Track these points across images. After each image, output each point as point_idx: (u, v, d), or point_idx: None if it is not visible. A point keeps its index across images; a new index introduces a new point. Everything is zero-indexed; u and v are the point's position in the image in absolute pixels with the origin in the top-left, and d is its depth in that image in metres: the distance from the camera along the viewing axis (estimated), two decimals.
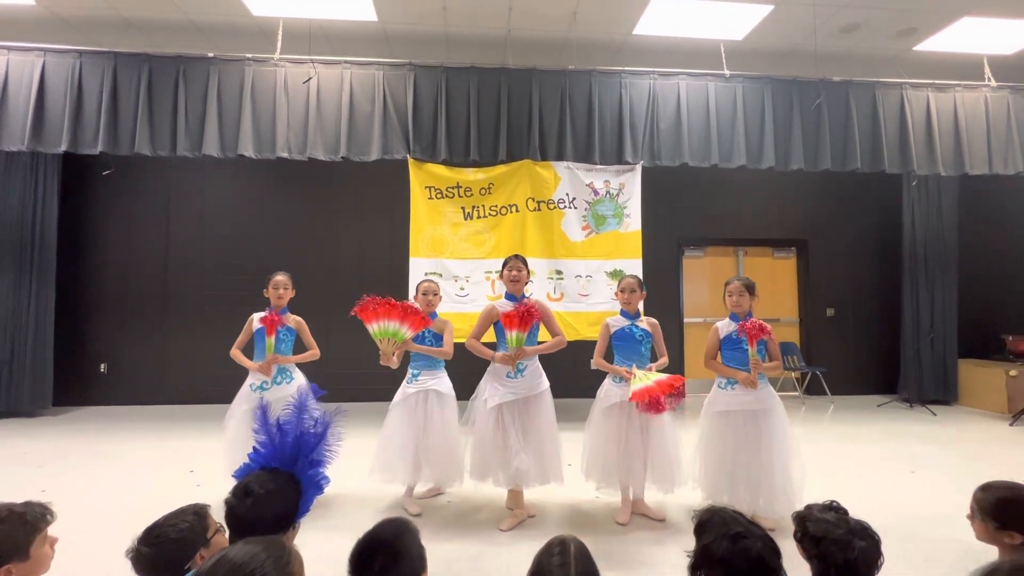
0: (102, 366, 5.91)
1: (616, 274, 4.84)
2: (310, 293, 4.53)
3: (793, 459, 2.75)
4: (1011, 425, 5.12)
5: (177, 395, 5.90)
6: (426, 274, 4.67)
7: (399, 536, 1.22)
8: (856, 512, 1.37)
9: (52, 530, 1.34)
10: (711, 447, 2.88)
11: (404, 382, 3.16)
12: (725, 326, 2.91)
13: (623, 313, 3.05)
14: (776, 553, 1.16)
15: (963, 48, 5.09)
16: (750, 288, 2.88)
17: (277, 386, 3.17)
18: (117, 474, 3.63)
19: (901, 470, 3.75)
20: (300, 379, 3.28)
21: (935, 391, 6.06)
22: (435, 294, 3.17)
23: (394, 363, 2.96)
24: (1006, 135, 5.08)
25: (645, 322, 3.03)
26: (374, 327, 2.88)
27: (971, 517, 1.50)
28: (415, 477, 3.05)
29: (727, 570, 1.13)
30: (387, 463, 3.01)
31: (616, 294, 3.20)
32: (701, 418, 3.01)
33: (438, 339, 3.13)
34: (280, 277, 3.24)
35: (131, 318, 5.96)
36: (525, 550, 1.30)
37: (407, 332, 2.90)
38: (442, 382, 3.14)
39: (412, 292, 4.50)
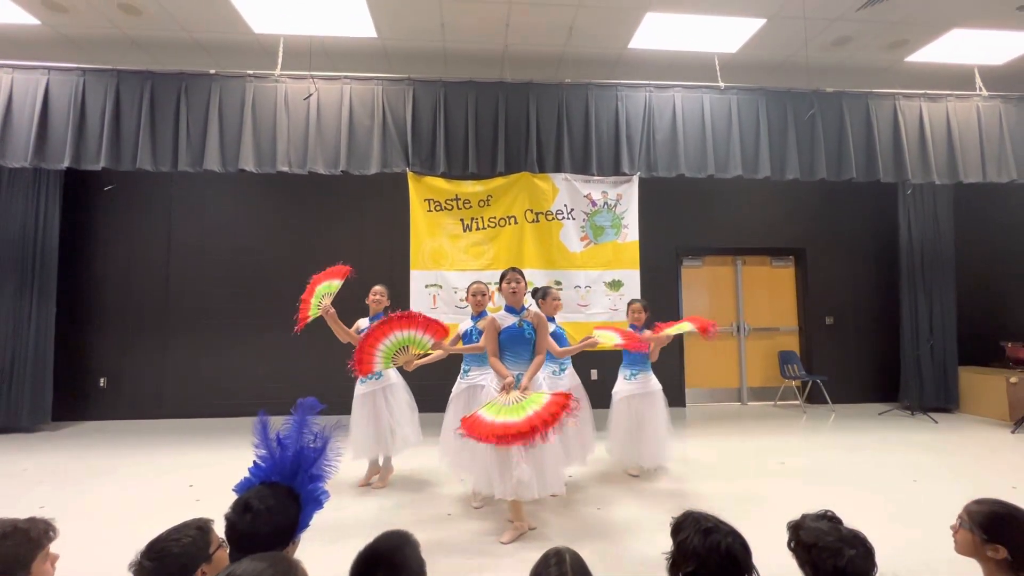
0: (102, 381, 5.90)
1: (615, 284, 4.87)
2: None
3: (666, 423, 3.85)
4: (1013, 432, 5.11)
5: (177, 410, 5.89)
6: (427, 286, 4.72)
7: (400, 548, 1.22)
8: (858, 522, 1.37)
9: (53, 547, 1.35)
10: (620, 424, 3.81)
11: (458, 378, 3.53)
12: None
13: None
14: (745, 548, 1.21)
15: (954, 59, 5.17)
16: (645, 308, 3.94)
17: (371, 380, 3.64)
18: (116, 489, 3.61)
19: (904, 479, 3.73)
20: (392, 375, 3.71)
21: (936, 399, 6.05)
22: (483, 295, 3.55)
23: (442, 353, 3.31)
24: (999, 143, 5.14)
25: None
26: (379, 355, 3.02)
27: (956, 528, 1.51)
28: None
29: (700, 563, 1.18)
30: (451, 452, 3.30)
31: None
32: (613, 403, 3.89)
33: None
34: (377, 287, 3.77)
35: (131, 333, 5.97)
36: (526, 562, 1.30)
37: (423, 337, 3.06)
38: (490, 376, 3.24)
39: (413, 302, 4.56)
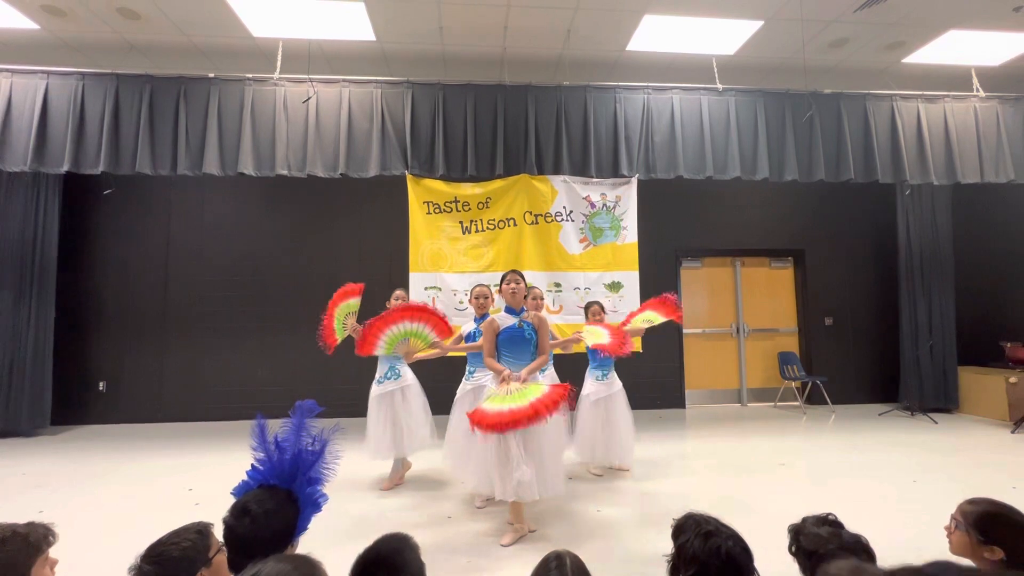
0: (101, 384, 5.89)
1: (614, 286, 4.87)
2: (310, 309, 4.55)
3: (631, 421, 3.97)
4: (1012, 433, 5.11)
5: (176, 413, 5.89)
6: (426, 288, 4.72)
7: (400, 551, 1.22)
8: (858, 524, 1.37)
9: (52, 551, 1.34)
10: (593, 425, 3.83)
11: (463, 380, 3.58)
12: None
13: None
14: (746, 551, 1.20)
15: (951, 60, 5.18)
16: (603, 309, 4.12)
17: (388, 381, 3.67)
18: (115, 493, 3.60)
19: (904, 479, 3.73)
20: (408, 376, 3.73)
21: (936, 399, 6.05)
22: (486, 297, 3.61)
23: (440, 352, 3.39)
24: (996, 144, 5.15)
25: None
26: (383, 340, 3.14)
27: (951, 529, 1.50)
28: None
29: (700, 566, 1.17)
30: (455, 458, 3.35)
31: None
32: (585, 404, 3.88)
33: None
34: (399, 291, 3.86)
35: (130, 336, 5.96)
36: (526, 565, 1.31)
37: (429, 333, 3.18)
38: (492, 376, 3.26)
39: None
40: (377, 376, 3.72)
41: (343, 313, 3.65)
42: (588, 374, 4.01)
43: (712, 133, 4.90)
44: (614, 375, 4.01)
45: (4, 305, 5.32)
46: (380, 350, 3.16)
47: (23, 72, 4.43)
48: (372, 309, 3.77)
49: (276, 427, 1.59)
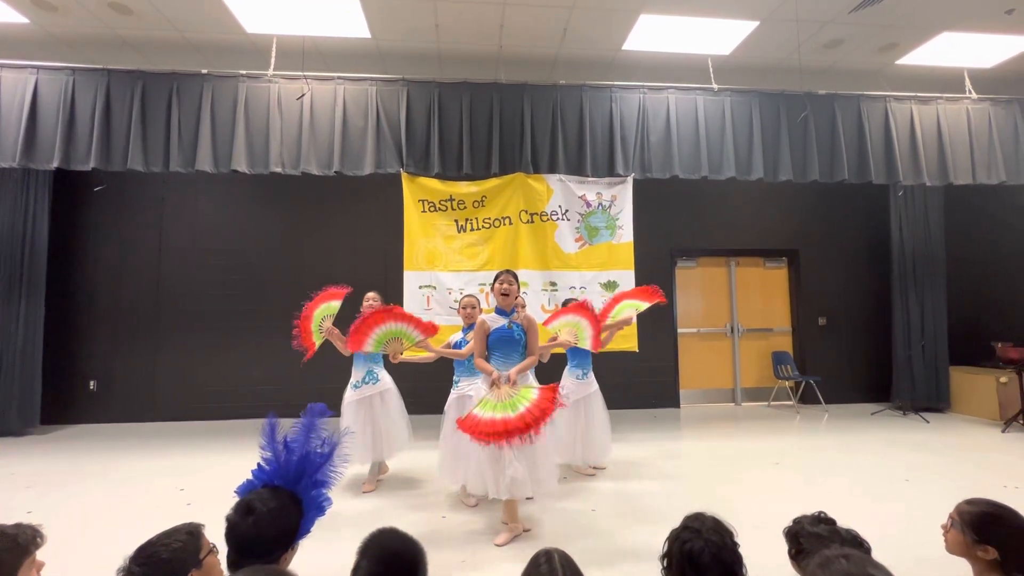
0: (91, 383, 5.83)
1: (610, 285, 4.87)
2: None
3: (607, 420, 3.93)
4: (1003, 432, 5.16)
5: (168, 413, 5.83)
6: (421, 287, 4.70)
7: (422, 553, 1.25)
8: (851, 522, 1.37)
9: (40, 553, 1.33)
10: (573, 425, 3.76)
11: (452, 389, 3.52)
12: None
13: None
14: (725, 562, 1.17)
15: (944, 62, 5.22)
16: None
17: (366, 385, 3.64)
18: (106, 493, 3.56)
19: (896, 478, 3.76)
20: (386, 380, 3.72)
21: (928, 398, 6.10)
22: (474, 307, 3.54)
23: (431, 356, 3.42)
24: (988, 145, 5.19)
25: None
26: (374, 336, 3.17)
27: (947, 527, 1.51)
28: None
29: (678, 565, 1.18)
30: (447, 465, 3.34)
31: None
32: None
33: None
34: (370, 294, 3.77)
35: (122, 335, 5.90)
36: (520, 565, 1.30)
37: (414, 333, 3.23)
38: (477, 386, 3.28)
39: (407, 303, 4.56)
40: (353, 380, 3.67)
41: (321, 315, 3.57)
42: (567, 373, 3.89)
43: (707, 133, 4.91)
44: (592, 374, 3.92)
45: None
46: (369, 347, 3.17)
47: (12, 67, 4.37)
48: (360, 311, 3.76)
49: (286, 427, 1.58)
